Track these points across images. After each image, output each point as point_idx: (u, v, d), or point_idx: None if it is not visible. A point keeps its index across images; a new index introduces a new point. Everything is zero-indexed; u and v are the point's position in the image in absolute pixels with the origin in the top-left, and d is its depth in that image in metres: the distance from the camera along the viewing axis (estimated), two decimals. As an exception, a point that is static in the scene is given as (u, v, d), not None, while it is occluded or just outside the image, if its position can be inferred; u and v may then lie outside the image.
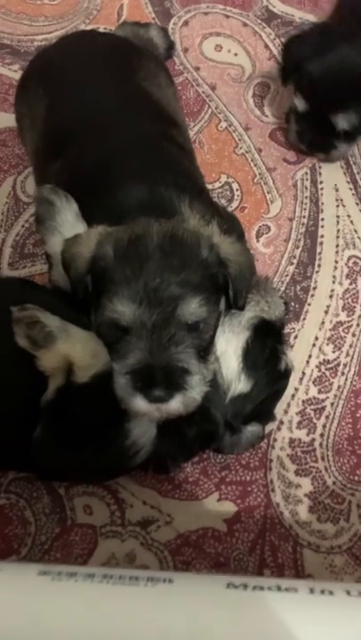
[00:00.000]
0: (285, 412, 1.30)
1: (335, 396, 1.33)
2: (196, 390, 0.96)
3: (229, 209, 1.51)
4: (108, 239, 1.01)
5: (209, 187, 1.51)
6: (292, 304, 1.41)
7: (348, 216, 1.54)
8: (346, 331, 1.40)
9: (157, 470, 1.17)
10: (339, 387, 1.34)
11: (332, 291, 1.44)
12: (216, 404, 1.08)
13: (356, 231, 1.52)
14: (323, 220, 1.53)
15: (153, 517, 1.19)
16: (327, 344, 1.38)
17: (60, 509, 1.20)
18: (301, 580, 1.15)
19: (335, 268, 1.47)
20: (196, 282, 0.96)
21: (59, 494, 1.21)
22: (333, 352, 1.37)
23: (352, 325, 1.40)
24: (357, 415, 1.31)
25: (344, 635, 0.82)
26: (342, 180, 1.59)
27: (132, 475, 1.20)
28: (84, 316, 1.05)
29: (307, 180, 1.59)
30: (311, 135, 1.53)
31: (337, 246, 1.50)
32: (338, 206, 1.55)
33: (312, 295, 1.44)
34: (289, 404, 1.31)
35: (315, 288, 1.45)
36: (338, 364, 1.36)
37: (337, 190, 1.58)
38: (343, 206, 1.55)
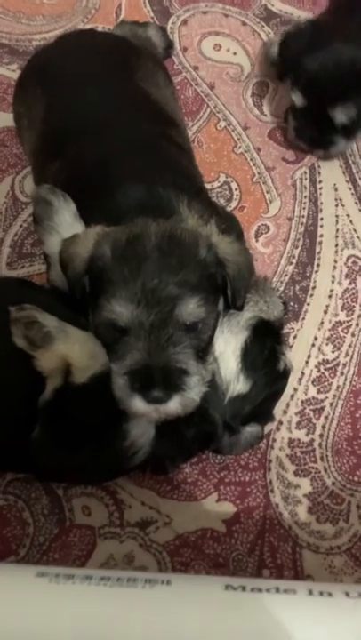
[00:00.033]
0: (284, 412, 1.30)
1: (334, 396, 1.32)
2: (194, 391, 0.96)
3: (228, 208, 1.51)
4: (105, 239, 1.01)
5: (208, 186, 1.50)
6: (291, 304, 1.41)
7: (348, 215, 1.54)
8: (345, 330, 1.40)
9: (156, 471, 1.17)
10: (338, 387, 1.33)
11: (332, 290, 1.44)
12: (215, 404, 1.08)
13: (355, 231, 1.52)
14: (322, 219, 1.53)
15: (152, 518, 1.19)
16: (326, 344, 1.38)
17: (58, 510, 1.19)
18: (300, 581, 1.14)
19: (334, 267, 1.47)
20: (194, 282, 0.96)
21: (57, 495, 1.20)
22: (333, 352, 1.37)
23: (351, 325, 1.40)
24: (357, 415, 1.31)
25: (343, 636, 0.82)
26: (341, 179, 1.59)
27: (130, 475, 1.20)
28: (82, 316, 1.05)
29: (306, 179, 1.58)
30: (310, 131, 1.52)
31: (336, 246, 1.49)
32: (337, 206, 1.55)
33: (311, 295, 1.43)
34: (288, 405, 1.31)
35: (314, 288, 1.44)
36: (337, 364, 1.36)
37: (336, 190, 1.57)
38: (342, 206, 1.55)
